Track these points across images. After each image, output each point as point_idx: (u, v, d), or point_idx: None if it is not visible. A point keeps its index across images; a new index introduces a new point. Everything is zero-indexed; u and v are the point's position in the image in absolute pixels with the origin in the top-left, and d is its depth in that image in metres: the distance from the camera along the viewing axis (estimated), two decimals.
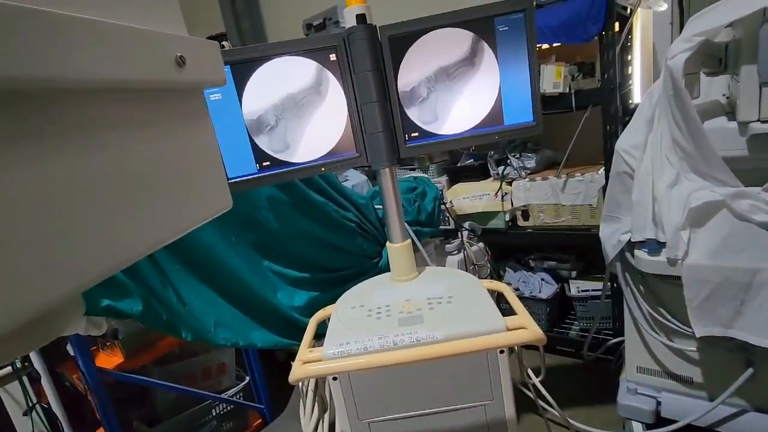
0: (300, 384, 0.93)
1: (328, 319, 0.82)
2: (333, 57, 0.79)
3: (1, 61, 0.15)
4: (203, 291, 0.88)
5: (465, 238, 1.51)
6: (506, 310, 0.72)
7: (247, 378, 1.42)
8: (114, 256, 0.21)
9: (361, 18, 0.76)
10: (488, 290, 0.78)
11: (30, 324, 0.17)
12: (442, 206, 1.56)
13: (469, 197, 1.66)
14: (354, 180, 1.72)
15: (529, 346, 0.70)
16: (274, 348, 0.98)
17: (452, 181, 1.80)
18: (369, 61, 0.78)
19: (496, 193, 1.60)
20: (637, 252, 1.05)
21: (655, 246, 1.01)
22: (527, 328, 0.63)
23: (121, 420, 1.11)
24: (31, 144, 0.18)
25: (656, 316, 1.08)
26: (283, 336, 0.98)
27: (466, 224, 1.59)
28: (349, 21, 0.77)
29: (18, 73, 0.16)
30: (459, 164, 1.81)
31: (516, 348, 0.84)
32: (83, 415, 1.21)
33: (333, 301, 0.86)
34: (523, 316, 0.68)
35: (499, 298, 0.85)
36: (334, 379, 0.68)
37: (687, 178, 0.97)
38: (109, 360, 1.12)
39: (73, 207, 0.19)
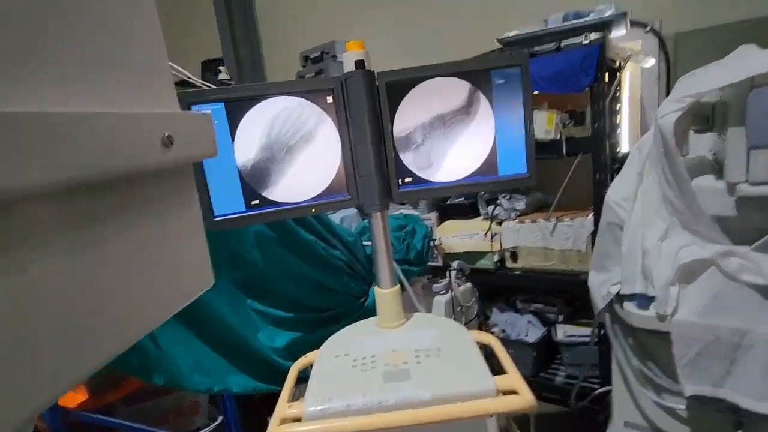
0: None
1: (310, 366, 0.78)
2: (330, 99, 0.79)
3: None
4: (179, 331, 0.84)
5: (453, 278, 1.49)
6: (495, 362, 0.69)
7: (221, 418, 1.34)
8: (90, 360, 0.19)
9: (360, 63, 0.76)
10: (477, 342, 0.75)
11: None
12: (431, 243, 1.54)
13: (458, 236, 1.66)
14: (343, 212, 1.70)
15: None
16: (250, 393, 0.93)
17: (442, 218, 1.79)
18: (366, 106, 0.77)
19: (485, 233, 1.59)
20: (626, 304, 1.04)
21: (644, 300, 1.00)
22: (518, 393, 0.61)
23: None
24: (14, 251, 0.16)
25: (645, 371, 1.06)
26: (260, 380, 0.93)
27: (455, 264, 1.57)
28: (347, 65, 0.77)
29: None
30: (449, 202, 1.81)
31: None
32: None
33: (315, 342, 0.82)
34: (513, 376, 0.65)
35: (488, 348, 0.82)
36: None
37: (676, 234, 0.97)
38: (71, 398, 1.04)
39: (51, 312, 0.17)
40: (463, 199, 1.78)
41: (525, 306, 1.74)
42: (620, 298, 1.06)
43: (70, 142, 0.16)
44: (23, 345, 0.16)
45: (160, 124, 0.20)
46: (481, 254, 1.63)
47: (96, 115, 0.17)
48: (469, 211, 1.75)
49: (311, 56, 1.96)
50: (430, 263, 1.58)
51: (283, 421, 0.62)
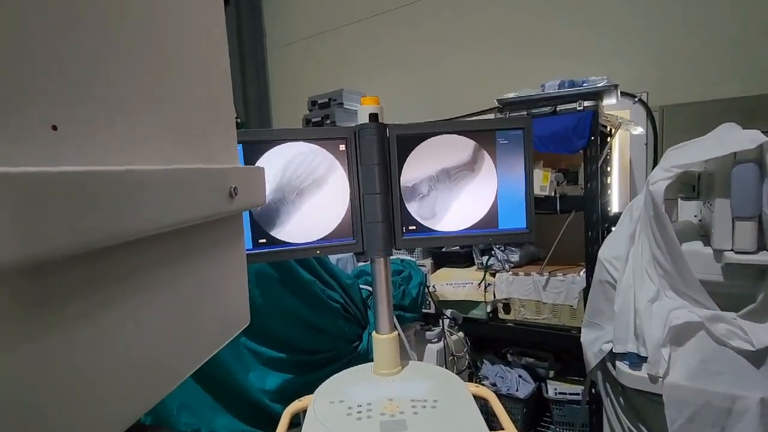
0: None
1: (303, 412, 0.76)
2: (342, 147, 0.83)
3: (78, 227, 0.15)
4: None
5: (446, 327, 1.48)
6: (490, 416, 0.69)
7: None
8: (160, 386, 0.20)
9: (373, 116, 0.81)
10: (474, 395, 0.75)
11: None
12: (426, 290, 1.55)
13: (452, 284, 1.67)
14: (339, 254, 1.71)
15: None
16: None
17: (437, 265, 1.81)
18: (376, 156, 0.81)
19: (479, 283, 1.61)
20: (618, 364, 1.05)
21: (635, 359, 1.01)
22: None
23: None
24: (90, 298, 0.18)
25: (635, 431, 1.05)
26: (248, 423, 0.90)
27: (448, 312, 1.57)
28: (361, 117, 0.82)
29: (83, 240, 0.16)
30: (445, 249, 1.83)
31: None
32: None
33: (306, 386, 0.81)
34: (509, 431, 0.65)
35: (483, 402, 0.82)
36: None
37: (666, 296, 1.00)
38: None
39: (115, 355, 0.18)
40: (458, 247, 1.81)
41: (516, 359, 1.72)
42: (612, 356, 1.07)
43: (163, 198, 0.19)
44: (95, 382, 0.17)
45: (228, 178, 0.23)
46: (474, 304, 1.64)
47: (184, 171, 0.20)
48: (463, 260, 1.77)
49: (319, 101, 2.05)
50: (423, 310, 1.58)
51: None
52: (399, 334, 0.98)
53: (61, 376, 0.16)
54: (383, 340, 0.84)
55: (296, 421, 0.77)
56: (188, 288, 0.22)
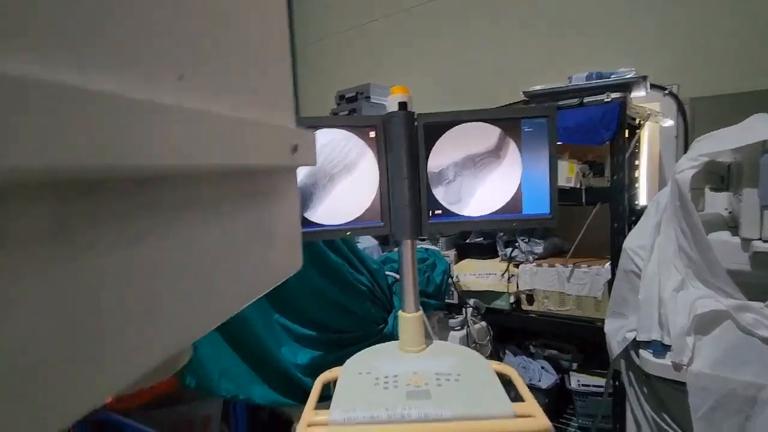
0: None
1: (333, 382, 0.81)
2: (372, 134, 0.87)
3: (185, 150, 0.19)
4: (213, 336, 0.89)
5: (469, 315, 1.51)
6: (513, 396, 0.72)
7: None
8: (217, 314, 0.24)
9: (402, 105, 0.85)
10: (496, 372, 0.78)
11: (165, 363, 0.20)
12: (449, 280, 1.58)
13: (475, 274, 1.69)
14: (365, 243, 1.77)
15: None
16: (271, 406, 0.96)
17: (460, 257, 1.84)
18: (404, 143, 0.85)
19: (502, 274, 1.63)
20: (642, 352, 1.05)
21: (660, 348, 1.02)
22: (535, 417, 0.64)
23: None
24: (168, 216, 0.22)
25: (659, 421, 1.06)
26: (281, 394, 0.96)
27: (472, 301, 1.60)
28: (391, 106, 0.86)
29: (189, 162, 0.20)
30: (468, 240, 1.86)
31: None
32: None
33: (334, 363, 0.86)
34: (530, 403, 0.68)
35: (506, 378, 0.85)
36: None
37: (692, 285, 1.00)
38: None
39: (193, 268, 0.23)
40: (482, 239, 1.83)
41: (538, 351, 1.74)
42: (636, 345, 1.08)
43: (251, 140, 0.24)
44: (151, 300, 0.21)
45: (292, 135, 0.28)
46: (497, 294, 1.66)
47: (263, 124, 0.25)
48: (487, 251, 1.79)
49: (347, 96, 2.10)
50: (446, 300, 1.61)
51: (311, 425, 0.65)
52: (423, 316, 1.02)
53: (116, 292, 0.18)
54: (409, 318, 0.88)
55: (326, 393, 0.82)
56: (253, 224, 0.27)
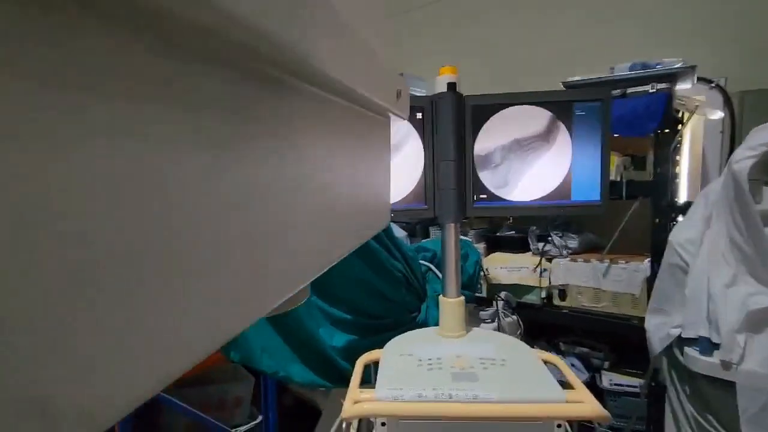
0: (344, 424, 0.90)
1: (374, 363, 0.81)
2: (419, 116, 0.86)
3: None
4: None
5: (500, 309, 1.49)
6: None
7: (260, 417, 1.37)
8: (328, 256, 0.24)
9: (451, 86, 0.84)
10: (541, 360, 0.77)
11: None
12: (481, 272, 1.56)
13: (506, 267, 1.67)
14: (395, 233, 1.76)
15: None
16: (308, 386, 0.96)
17: (489, 250, 1.81)
18: (452, 125, 0.84)
19: (534, 268, 1.60)
20: (687, 349, 1.02)
21: (707, 345, 0.98)
22: (587, 404, 0.62)
23: None
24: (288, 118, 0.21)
25: (702, 422, 1.02)
26: (318, 375, 0.97)
27: (502, 294, 1.58)
28: (439, 87, 0.85)
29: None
30: (499, 234, 1.83)
31: (570, 430, 0.80)
32: None
33: (369, 348, 0.85)
34: (581, 390, 0.66)
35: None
36: (383, 424, 0.66)
37: (744, 281, 0.96)
38: None
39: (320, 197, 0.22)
40: (513, 232, 1.80)
41: (569, 348, 1.70)
42: (680, 342, 1.05)
43: (375, 72, 0.23)
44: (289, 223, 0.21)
45: (396, 80, 0.27)
46: (528, 288, 1.63)
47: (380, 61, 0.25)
48: (518, 245, 1.76)
49: None
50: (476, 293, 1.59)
51: (357, 402, 0.65)
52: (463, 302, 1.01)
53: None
54: (450, 303, 0.87)
55: (365, 377, 0.82)
56: (357, 164, 0.27)
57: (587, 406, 0.61)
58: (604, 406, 1.72)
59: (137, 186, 0.11)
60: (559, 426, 0.64)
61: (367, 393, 0.67)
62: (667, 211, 1.35)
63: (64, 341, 0.10)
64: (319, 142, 0.22)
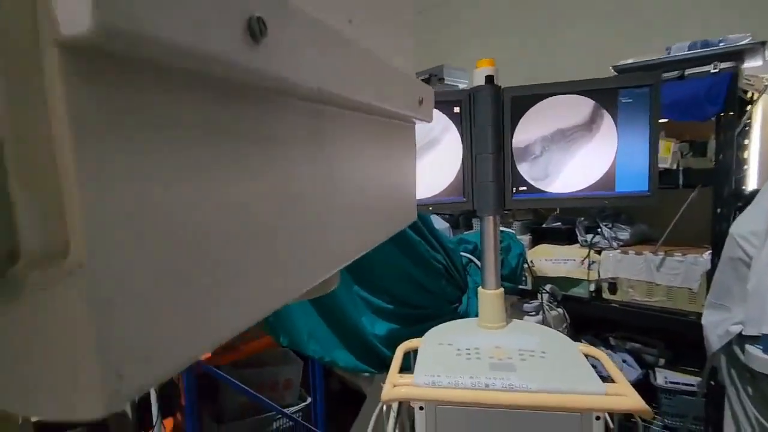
0: (383, 407, 0.94)
1: (414, 351, 0.84)
2: (457, 110, 0.87)
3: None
4: (302, 300, 0.96)
5: (545, 301, 1.47)
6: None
7: (309, 399, 1.45)
8: (356, 248, 0.27)
9: (489, 79, 0.84)
10: (583, 353, 0.76)
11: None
12: (524, 264, 1.54)
13: (552, 260, 1.63)
14: (437, 226, 1.77)
15: None
16: (351, 371, 1.01)
17: (535, 242, 1.77)
18: (490, 117, 0.84)
19: (582, 261, 1.55)
20: (748, 347, 0.96)
21: None
22: (628, 397, 0.61)
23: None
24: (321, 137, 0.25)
25: (765, 423, 0.96)
26: (361, 361, 1.01)
27: (547, 287, 1.55)
28: (476, 80, 0.85)
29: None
30: (545, 225, 1.79)
31: (611, 424, 0.79)
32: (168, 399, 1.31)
33: (409, 336, 0.88)
34: (623, 384, 0.65)
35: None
36: (421, 408, 0.69)
37: None
38: None
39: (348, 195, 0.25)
40: (560, 223, 1.75)
41: (619, 343, 1.64)
42: (741, 339, 0.99)
43: (394, 84, 0.26)
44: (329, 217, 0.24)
45: (419, 88, 0.29)
46: (576, 282, 1.58)
47: (401, 72, 0.27)
48: (564, 236, 1.71)
49: (420, 78, 2.09)
50: (520, 286, 1.57)
51: (396, 386, 0.68)
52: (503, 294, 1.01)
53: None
54: (489, 294, 0.88)
55: (405, 365, 0.85)
56: (383, 168, 0.29)
57: (627, 399, 0.60)
58: (659, 405, 1.65)
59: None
60: (597, 419, 0.64)
61: (406, 378, 0.70)
62: (730, 200, 1.25)
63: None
64: (350, 153, 0.25)
